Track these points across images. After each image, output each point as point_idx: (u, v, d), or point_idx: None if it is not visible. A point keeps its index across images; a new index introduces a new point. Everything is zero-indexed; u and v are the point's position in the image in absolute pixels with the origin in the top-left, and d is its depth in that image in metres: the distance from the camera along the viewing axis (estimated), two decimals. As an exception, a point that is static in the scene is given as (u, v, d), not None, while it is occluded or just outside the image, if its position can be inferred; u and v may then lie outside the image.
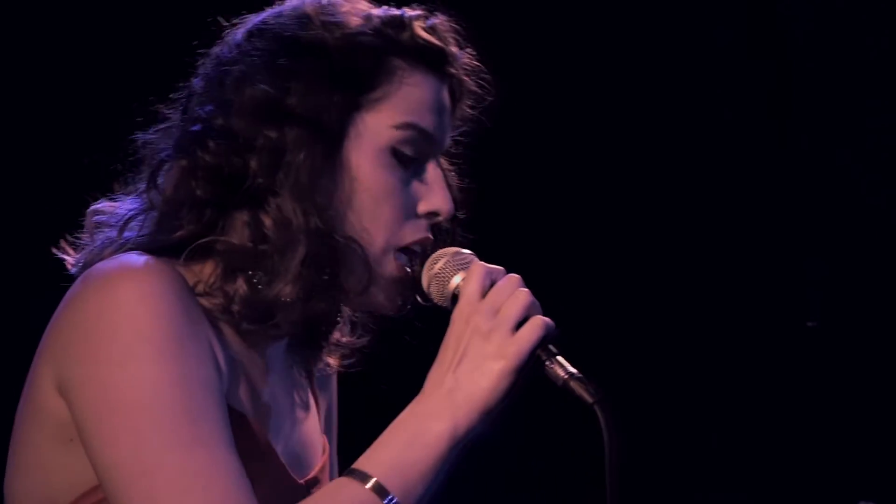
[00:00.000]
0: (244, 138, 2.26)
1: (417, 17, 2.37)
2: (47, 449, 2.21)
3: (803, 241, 4.83)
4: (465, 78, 2.42)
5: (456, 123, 2.45)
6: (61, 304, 2.21)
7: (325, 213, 2.26)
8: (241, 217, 2.28)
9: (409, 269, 2.34)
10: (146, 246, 2.28)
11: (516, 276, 2.25)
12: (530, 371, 2.21)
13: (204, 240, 2.27)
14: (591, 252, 4.86)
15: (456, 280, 2.29)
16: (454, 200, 2.39)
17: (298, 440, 2.42)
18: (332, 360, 2.55)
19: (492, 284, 2.23)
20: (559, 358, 2.21)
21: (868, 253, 4.76)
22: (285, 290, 2.25)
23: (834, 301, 4.82)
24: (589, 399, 2.19)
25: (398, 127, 2.31)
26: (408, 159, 2.33)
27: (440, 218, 2.36)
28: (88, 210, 2.37)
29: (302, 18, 2.32)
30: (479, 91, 2.45)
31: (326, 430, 2.56)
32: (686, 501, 4.89)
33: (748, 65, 4.82)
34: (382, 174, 2.31)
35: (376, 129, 2.31)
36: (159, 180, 2.32)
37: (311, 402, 2.52)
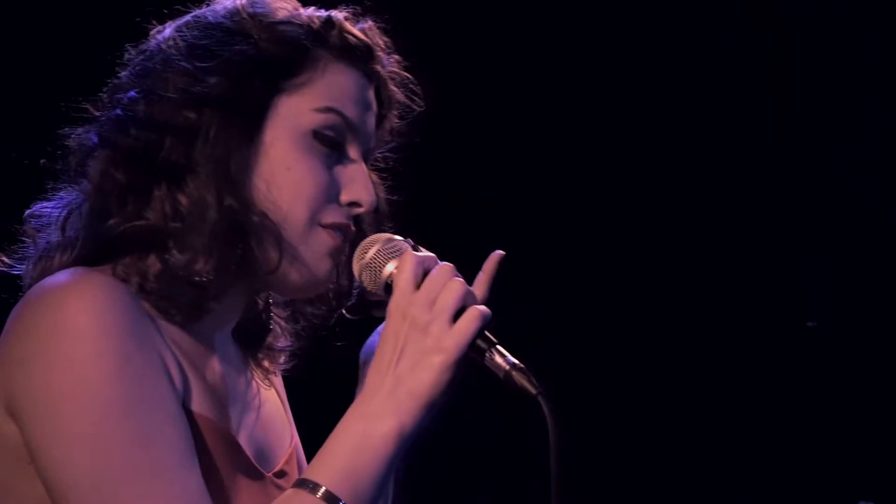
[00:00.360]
0: (163, 121, 2.28)
1: (346, 18, 2.41)
2: (4, 472, 2.20)
3: (803, 241, 4.83)
4: (392, 82, 2.45)
5: (384, 136, 2.47)
6: (8, 325, 2.20)
7: (240, 190, 2.28)
8: (160, 198, 2.28)
9: (340, 239, 2.34)
10: (88, 250, 2.29)
11: (449, 264, 2.23)
12: (470, 362, 2.19)
13: (127, 225, 2.27)
14: (591, 253, 4.86)
15: (389, 268, 2.27)
16: (378, 198, 2.40)
17: (263, 432, 2.42)
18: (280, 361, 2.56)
19: (425, 274, 2.22)
20: (499, 347, 2.19)
21: (868, 253, 4.76)
22: (197, 265, 2.25)
23: (834, 301, 4.82)
24: (532, 390, 2.17)
25: (320, 110, 2.33)
26: (330, 143, 2.34)
27: (362, 209, 2.36)
28: (25, 216, 2.37)
29: (229, 9, 2.36)
30: (406, 100, 2.47)
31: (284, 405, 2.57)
32: (687, 501, 4.89)
33: (748, 64, 4.82)
34: (304, 154, 2.32)
35: (298, 111, 2.32)
36: (88, 171, 2.32)
37: (273, 393, 2.52)
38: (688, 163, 4.84)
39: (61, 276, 2.20)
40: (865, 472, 4.72)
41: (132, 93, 2.31)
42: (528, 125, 4.83)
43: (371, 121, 2.40)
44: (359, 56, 2.38)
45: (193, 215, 2.26)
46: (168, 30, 2.37)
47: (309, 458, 2.28)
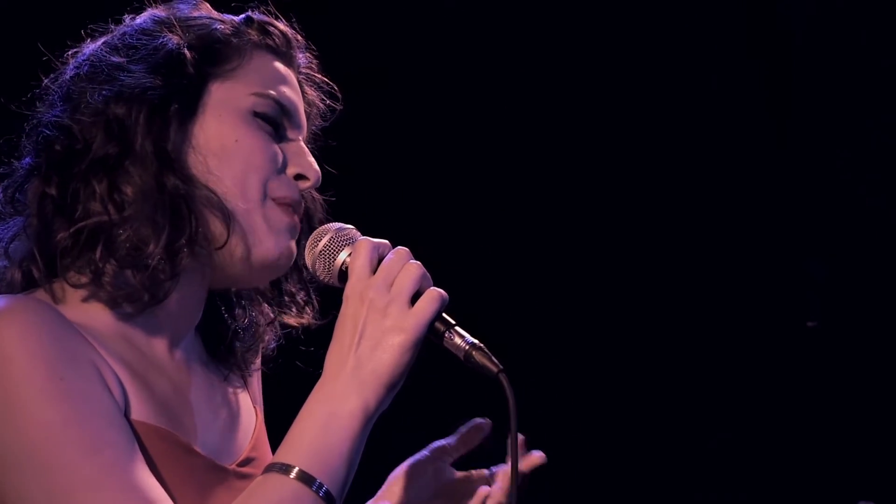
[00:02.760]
0: (90, 123, 2.31)
1: (264, 16, 2.47)
2: None
3: (803, 241, 4.83)
4: (309, 84, 2.51)
5: (313, 122, 2.52)
6: None
7: (183, 169, 2.31)
8: (100, 196, 2.30)
9: (294, 216, 2.37)
10: (38, 269, 2.31)
11: (404, 248, 2.27)
12: (429, 343, 2.22)
13: (73, 229, 2.29)
14: (591, 253, 4.86)
15: (342, 256, 2.29)
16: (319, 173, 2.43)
17: (223, 426, 2.43)
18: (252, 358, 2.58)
19: (380, 259, 2.25)
20: (458, 329, 2.22)
21: (868, 253, 4.76)
22: (147, 248, 2.28)
23: (834, 301, 4.82)
24: (493, 369, 2.19)
25: (256, 94, 2.38)
26: (270, 122, 2.38)
27: (309, 183, 2.40)
28: None
29: (150, 16, 2.42)
30: (325, 87, 2.53)
31: (256, 402, 2.58)
32: (687, 501, 4.89)
33: (748, 65, 4.82)
34: (249, 130, 2.36)
35: (235, 94, 2.38)
36: (25, 196, 2.35)
37: (239, 390, 2.53)
38: (688, 163, 4.84)
39: None
40: (865, 472, 4.72)
41: (56, 111, 2.35)
42: (528, 125, 4.83)
43: (300, 104, 2.46)
44: (281, 49, 2.45)
45: (137, 201, 2.29)
46: (87, 48, 2.41)
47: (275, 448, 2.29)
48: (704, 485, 4.86)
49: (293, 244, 2.39)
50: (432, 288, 2.23)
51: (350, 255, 2.29)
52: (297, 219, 2.39)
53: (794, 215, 4.82)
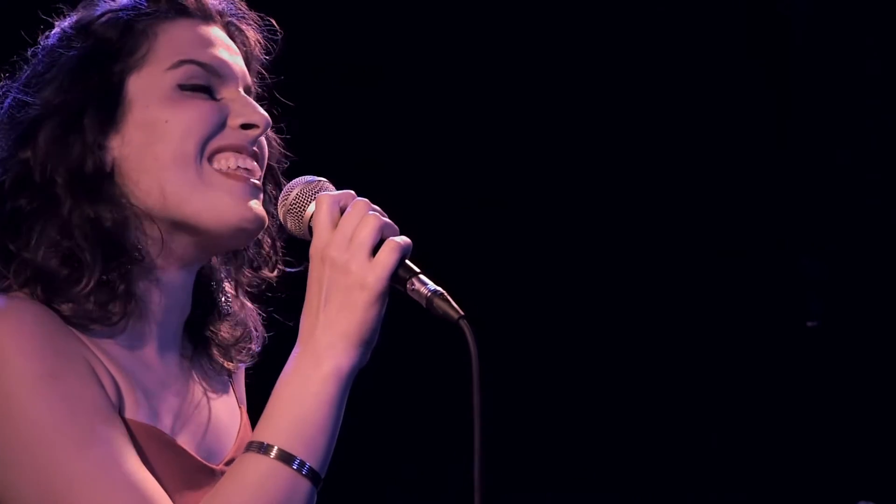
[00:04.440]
0: (4, 176, 2.29)
1: None
2: None
3: (803, 241, 4.83)
4: (239, 21, 2.44)
5: (255, 73, 2.45)
6: None
7: (106, 195, 2.28)
8: (26, 249, 2.28)
9: (243, 178, 2.33)
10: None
11: (363, 200, 2.23)
12: (394, 292, 2.20)
13: (11, 281, 2.28)
14: (590, 252, 4.86)
15: (310, 210, 2.27)
16: (266, 116, 2.37)
17: (210, 426, 2.42)
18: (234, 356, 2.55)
19: (342, 212, 2.22)
20: (421, 276, 2.20)
21: (868, 253, 4.76)
22: (81, 287, 2.26)
23: (834, 301, 4.82)
24: (454, 315, 2.16)
25: (173, 66, 2.33)
26: (198, 88, 2.33)
27: (258, 130, 2.34)
28: None
29: (60, 31, 2.37)
30: (259, 21, 2.47)
31: (241, 401, 2.57)
32: (686, 501, 4.89)
33: (748, 65, 4.82)
34: (178, 103, 2.32)
35: (153, 79, 2.32)
36: None
37: (224, 386, 2.52)
38: (688, 163, 4.84)
39: None
40: (865, 472, 4.72)
41: None
42: (528, 125, 4.83)
43: (235, 60, 2.40)
44: (192, 9, 2.39)
45: (60, 242, 2.26)
46: (13, 85, 2.37)
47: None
48: (704, 484, 4.86)
49: (252, 203, 2.32)
50: (391, 238, 2.20)
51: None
52: (250, 179, 2.33)
53: (794, 215, 4.82)
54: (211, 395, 2.45)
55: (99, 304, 2.25)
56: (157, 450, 2.25)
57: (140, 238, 2.29)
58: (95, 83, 2.30)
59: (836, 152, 4.77)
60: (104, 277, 2.25)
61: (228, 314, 2.48)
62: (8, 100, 2.34)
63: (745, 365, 4.83)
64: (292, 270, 2.49)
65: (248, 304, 2.50)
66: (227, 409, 2.48)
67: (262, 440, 2.17)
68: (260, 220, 2.32)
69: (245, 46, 2.44)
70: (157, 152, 2.28)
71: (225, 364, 2.49)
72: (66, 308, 2.25)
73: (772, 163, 4.81)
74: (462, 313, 2.16)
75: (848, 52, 4.73)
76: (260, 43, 2.45)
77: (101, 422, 2.17)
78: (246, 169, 2.33)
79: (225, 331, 2.48)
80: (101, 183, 2.28)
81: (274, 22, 2.48)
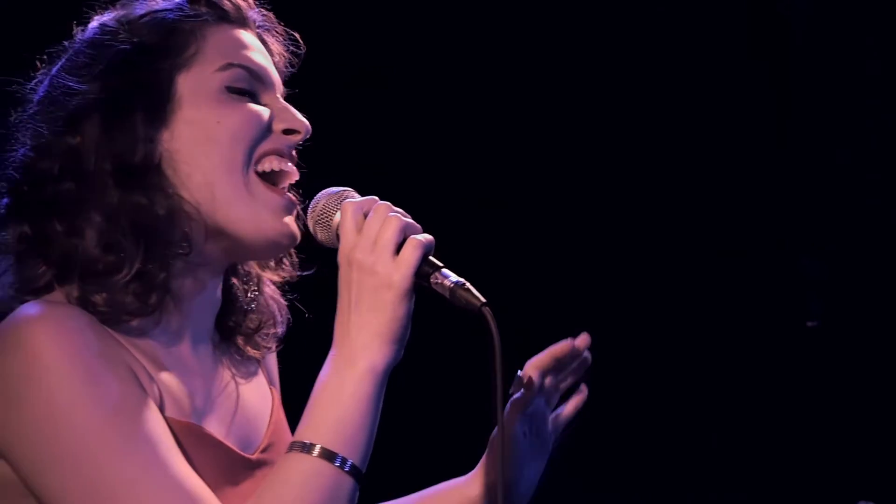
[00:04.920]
0: (49, 160, 2.33)
1: None
2: None
3: (803, 241, 4.83)
4: (269, 34, 2.51)
5: (283, 71, 2.52)
6: None
7: (153, 185, 2.32)
8: (67, 236, 2.33)
9: (278, 180, 2.39)
10: (37, 287, 2.35)
11: (384, 203, 2.31)
12: (420, 287, 2.27)
13: (45, 268, 2.33)
14: (589, 252, 4.86)
15: (337, 218, 2.34)
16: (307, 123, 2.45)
17: (245, 415, 2.47)
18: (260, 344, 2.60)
19: (365, 217, 2.30)
20: (444, 270, 2.27)
21: (868, 253, 4.76)
22: (119, 276, 2.29)
23: (834, 301, 4.82)
24: (476, 303, 2.23)
25: (222, 69, 2.39)
26: (246, 92, 2.40)
27: (299, 135, 2.42)
28: None
29: (96, 26, 2.41)
30: (286, 35, 2.54)
31: (272, 382, 2.62)
32: (686, 501, 4.89)
33: (748, 65, 4.83)
34: (228, 106, 2.38)
35: (202, 79, 2.38)
36: (6, 238, 2.38)
37: (255, 374, 2.56)
38: (688, 163, 4.85)
39: (21, 312, 2.25)
40: (865, 472, 4.72)
41: (23, 150, 2.37)
42: (528, 125, 4.84)
43: (268, 61, 2.47)
44: (233, 15, 2.45)
45: (104, 230, 2.31)
46: (47, 76, 2.41)
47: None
48: (704, 485, 4.87)
49: (289, 220, 2.40)
50: (413, 237, 2.26)
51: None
52: (288, 194, 2.40)
53: (794, 215, 4.82)
54: (242, 382, 2.50)
55: (136, 295, 2.29)
56: (198, 446, 2.30)
57: (185, 231, 2.34)
58: (146, 78, 2.35)
59: (836, 152, 4.77)
60: (144, 267, 2.30)
61: (252, 303, 2.54)
62: (46, 83, 2.38)
63: (745, 365, 4.84)
64: (306, 273, 2.56)
65: (269, 289, 2.56)
66: (259, 394, 2.53)
67: (304, 440, 2.23)
68: (294, 237, 2.40)
69: (273, 57, 2.50)
70: (209, 151, 2.34)
71: (250, 351, 2.54)
72: (100, 300, 2.29)
73: (772, 163, 4.81)
74: (484, 300, 2.23)
75: (848, 52, 4.73)
76: (283, 56, 2.52)
77: (145, 424, 2.21)
78: (285, 173, 2.40)
79: (249, 319, 2.54)
80: (149, 173, 2.32)
81: (298, 37, 2.54)
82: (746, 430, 4.83)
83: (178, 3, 2.42)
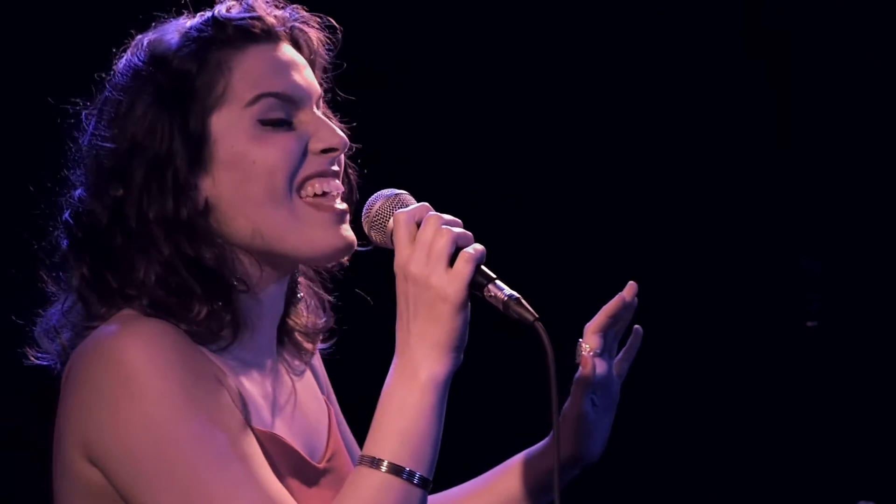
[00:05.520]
0: (99, 209, 2.37)
1: (229, 8, 2.45)
2: None
3: (803, 241, 4.83)
4: (299, 31, 2.49)
5: (320, 71, 2.52)
6: (72, 377, 2.32)
7: (202, 233, 2.36)
8: (124, 282, 2.36)
9: (327, 201, 2.41)
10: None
11: (435, 214, 2.32)
12: (474, 298, 2.31)
13: (105, 309, 2.36)
14: (589, 251, 4.86)
15: (391, 224, 2.37)
16: (344, 134, 2.46)
17: (308, 422, 2.51)
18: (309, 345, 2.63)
19: (418, 225, 2.32)
20: (497, 282, 2.31)
21: (868, 253, 4.76)
22: (192, 314, 2.34)
23: (834, 301, 4.82)
24: (529, 318, 2.29)
25: (250, 103, 2.39)
26: (278, 122, 2.41)
27: (337, 151, 2.43)
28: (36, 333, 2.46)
29: (135, 69, 2.41)
30: (323, 35, 2.53)
31: (322, 387, 2.66)
32: (686, 501, 4.89)
33: (748, 65, 4.82)
34: (260, 142, 2.38)
35: (234, 116, 2.39)
36: (68, 276, 2.41)
37: (309, 379, 2.60)
38: (689, 163, 4.84)
39: (108, 327, 2.31)
40: (865, 472, 4.72)
41: (76, 192, 2.40)
42: (528, 125, 4.83)
43: (303, 74, 2.45)
44: (257, 32, 2.43)
45: (159, 279, 2.34)
46: (91, 113, 2.43)
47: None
48: (704, 484, 4.86)
49: (342, 230, 2.42)
50: (465, 249, 2.28)
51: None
52: (336, 206, 2.42)
53: (794, 215, 4.82)
54: (301, 390, 2.54)
55: (210, 330, 2.35)
56: (278, 455, 2.35)
57: (239, 270, 2.39)
58: (180, 124, 2.36)
59: (836, 152, 4.77)
60: (211, 308, 2.35)
61: (301, 300, 2.57)
62: (89, 131, 2.40)
63: (744, 365, 4.84)
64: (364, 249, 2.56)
65: (312, 284, 2.59)
66: (315, 399, 2.58)
67: (372, 455, 2.27)
68: (350, 245, 2.43)
69: (310, 49, 2.49)
70: (250, 193, 2.37)
71: (305, 345, 2.58)
72: (183, 326, 2.34)
73: (772, 163, 4.81)
74: (537, 316, 2.29)
75: (848, 52, 4.73)
76: (322, 42, 2.51)
77: (236, 436, 2.27)
78: (330, 194, 2.42)
79: (302, 316, 2.57)
80: (196, 222, 2.36)
81: (333, 21, 2.53)
82: (746, 430, 4.83)
83: (206, 34, 2.40)
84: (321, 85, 2.49)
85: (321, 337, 2.61)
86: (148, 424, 2.23)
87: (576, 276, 4.86)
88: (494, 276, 2.31)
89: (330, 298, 2.60)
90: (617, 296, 2.76)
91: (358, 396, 2.61)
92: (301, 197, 2.39)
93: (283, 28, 2.46)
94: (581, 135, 4.83)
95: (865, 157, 4.76)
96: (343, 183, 2.45)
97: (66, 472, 2.31)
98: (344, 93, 2.58)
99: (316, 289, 2.60)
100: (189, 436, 2.23)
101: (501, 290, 2.30)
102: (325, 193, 2.41)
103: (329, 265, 2.54)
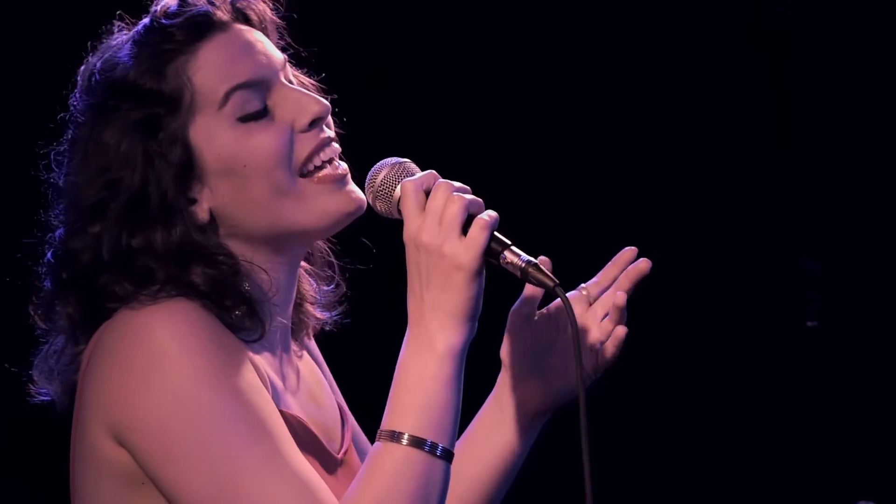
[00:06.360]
0: (82, 248, 2.32)
1: (164, 9, 2.36)
2: (119, 497, 2.28)
3: (803, 241, 4.83)
4: (247, 7, 2.41)
5: (275, 35, 2.45)
6: (98, 356, 2.27)
7: (201, 250, 2.32)
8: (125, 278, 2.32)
9: (328, 170, 2.37)
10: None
11: (444, 182, 2.27)
12: (489, 265, 2.27)
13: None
14: (589, 251, 4.85)
15: (397, 193, 2.32)
16: (322, 98, 2.41)
17: (325, 414, 2.49)
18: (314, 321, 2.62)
19: (427, 193, 2.27)
20: (513, 248, 2.27)
21: (868, 253, 4.76)
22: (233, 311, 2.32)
23: (834, 301, 4.82)
24: (550, 283, 2.27)
25: (222, 104, 2.33)
26: (256, 114, 2.35)
27: (323, 120, 2.39)
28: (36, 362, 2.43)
29: (89, 107, 2.35)
30: (268, 6, 2.46)
31: (324, 373, 2.64)
32: (686, 501, 4.89)
33: (748, 65, 4.82)
34: (246, 143, 2.33)
35: (210, 122, 2.33)
36: (55, 316, 2.37)
37: (312, 362, 2.58)
38: (688, 163, 4.84)
39: (142, 309, 2.27)
40: (865, 472, 4.72)
41: (59, 231, 2.35)
42: (529, 125, 4.83)
43: (262, 50, 2.38)
44: (204, 25, 2.35)
45: (197, 290, 2.30)
46: (63, 158, 2.37)
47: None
48: (704, 485, 4.86)
49: (349, 191, 2.38)
50: (479, 216, 2.24)
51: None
52: (338, 171, 2.37)
53: (794, 215, 4.82)
54: (316, 382, 2.52)
55: (239, 328, 2.32)
56: (304, 440, 2.32)
57: (255, 277, 2.36)
58: (156, 148, 2.30)
59: (836, 152, 4.77)
60: (231, 316, 2.31)
61: (312, 275, 2.55)
62: (63, 172, 2.35)
63: (744, 365, 4.84)
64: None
65: (322, 254, 2.56)
66: (328, 395, 2.54)
67: (392, 428, 2.23)
68: (361, 205, 2.38)
69: (259, 17, 2.42)
70: (252, 195, 2.34)
71: (319, 315, 2.55)
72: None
73: (772, 163, 4.81)
74: (557, 281, 2.27)
75: (848, 52, 4.73)
76: (268, 4, 2.44)
77: (268, 414, 2.23)
78: (330, 161, 2.38)
79: (313, 288, 2.54)
80: (208, 235, 2.33)
81: None
82: (746, 430, 4.83)
83: (153, 47, 2.33)
84: (284, 50, 2.43)
85: (334, 302, 2.57)
86: (181, 399, 2.19)
87: (575, 275, 4.86)
88: (509, 242, 2.26)
89: (340, 263, 2.55)
90: (635, 264, 2.75)
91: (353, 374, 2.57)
92: (304, 176, 2.35)
93: (225, 11, 2.38)
94: (581, 135, 4.83)
95: (865, 157, 4.76)
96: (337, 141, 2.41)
97: (90, 454, 2.27)
98: (350, 92, 2.56)
99: (326, 257, 2.55)
100: (223, 414, 2.20)
101: (519, 255, 2.26)
102: (326, 162, 2.36)
103: (341, 227, 2.44)
